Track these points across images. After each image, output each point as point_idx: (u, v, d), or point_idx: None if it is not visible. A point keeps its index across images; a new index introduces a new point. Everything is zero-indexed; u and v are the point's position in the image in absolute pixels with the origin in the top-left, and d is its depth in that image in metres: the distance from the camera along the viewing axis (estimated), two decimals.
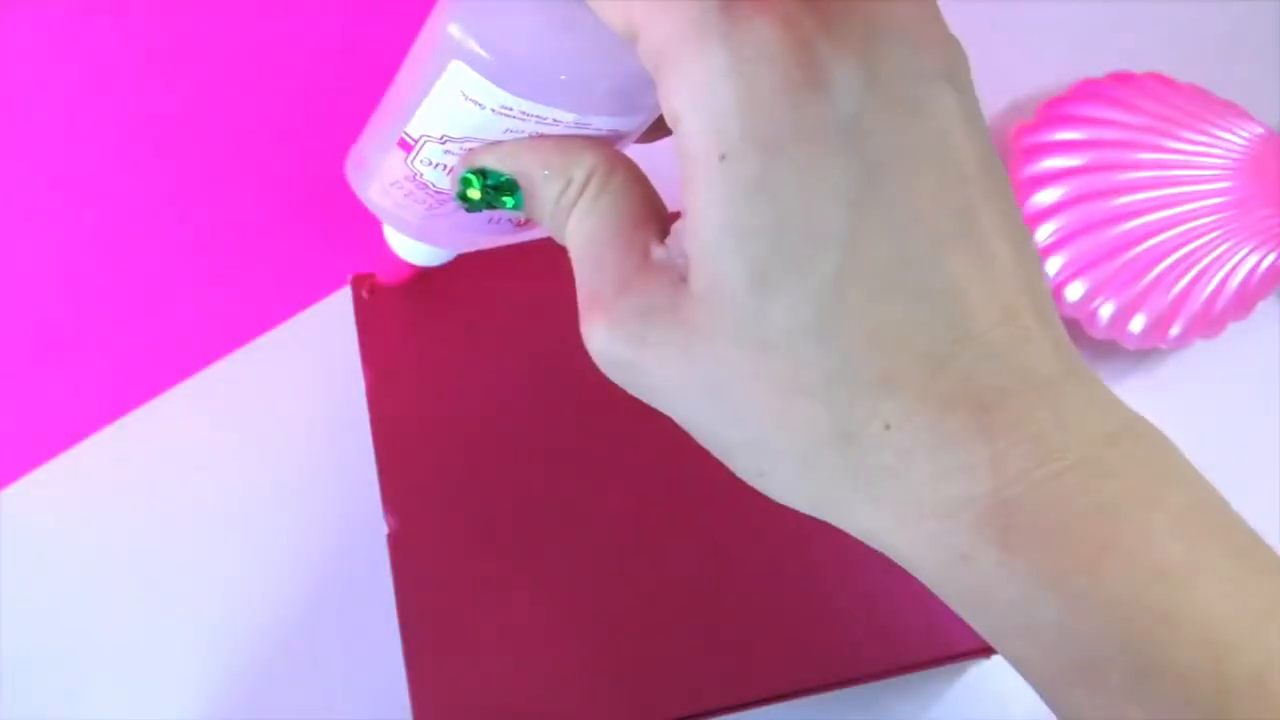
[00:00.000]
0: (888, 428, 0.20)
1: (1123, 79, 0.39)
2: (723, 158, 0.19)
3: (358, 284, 0.34)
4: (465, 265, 0.33)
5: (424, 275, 0.32)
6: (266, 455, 0.37)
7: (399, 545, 0.32)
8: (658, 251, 0.22)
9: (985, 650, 0.31)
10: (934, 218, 0.19)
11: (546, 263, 0.34)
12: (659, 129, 0.24)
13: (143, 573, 0.36)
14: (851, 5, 0.19)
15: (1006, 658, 0.21)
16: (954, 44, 0.20)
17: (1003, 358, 0.20)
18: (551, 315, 0.34)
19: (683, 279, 0.21)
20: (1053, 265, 0.37)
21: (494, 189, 0.22)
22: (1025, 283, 0.20)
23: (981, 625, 0.21)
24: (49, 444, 0.37)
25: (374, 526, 0.32)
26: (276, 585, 0.36)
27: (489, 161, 0.23)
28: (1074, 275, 0.37)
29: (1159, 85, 0.39)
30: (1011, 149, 0.39)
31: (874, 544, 0.21)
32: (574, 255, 0.22)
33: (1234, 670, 0.19)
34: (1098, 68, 0.40)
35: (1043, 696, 0.21)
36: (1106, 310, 0.37)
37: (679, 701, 0.30)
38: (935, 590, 0.21)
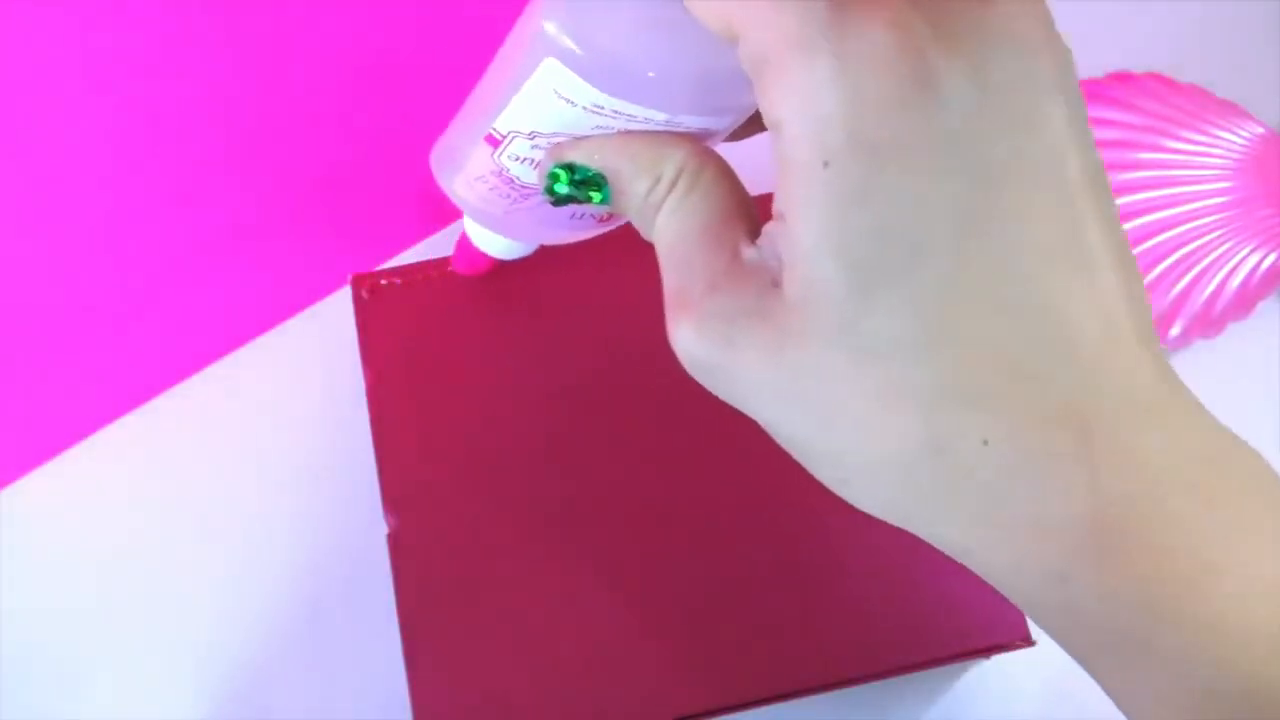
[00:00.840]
0: (986, 444, 0.19)
1: (1123, 79, 0.39)
2: (826, 164, 0.18)
3: (358, 284, 0.34)
4: None
5: (444, 275, 0.32)
6: (266, 455, 0.37)
7: (399, 545, 0.32)
8: (748, 252, 0.21)
9: (987, 650, 0.31)
10: (1042, 234, 0.19)
11: (548, 262, 0.34)
12: (749, 127, 0.24)
13: (143, 572, 0.36)
14: (964, 8, 0.18)
15: (1096, 678, 0.21)
16: (1064, 50, 0.20)
17: (1105, 379, 0.19)
18: (552, 315, 0.34)
19: (774, 283, 0.20)
20: None
21: (582, 184, 0.22)
22: (1129, 303, 0.20)
23: (1073, 646, 0.21)
24: (49, 444, 0.37)
25: (374, 526, 0.32)
26: (276, 585, 0.36)
27: (577, 156, 0.22)
28: None
29: (1159, 85, 0.39)
30: None
31: (964, 560, 0.21)
32: (661, 253, 0.22)
33: None
34: (1098, 68, 0.40)
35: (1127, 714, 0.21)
36: None
37: (678, 702, 0.30)
38: (1028, 611, 0.21)
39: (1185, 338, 0.37)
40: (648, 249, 0.33)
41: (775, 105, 0.19)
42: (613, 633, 0.31)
